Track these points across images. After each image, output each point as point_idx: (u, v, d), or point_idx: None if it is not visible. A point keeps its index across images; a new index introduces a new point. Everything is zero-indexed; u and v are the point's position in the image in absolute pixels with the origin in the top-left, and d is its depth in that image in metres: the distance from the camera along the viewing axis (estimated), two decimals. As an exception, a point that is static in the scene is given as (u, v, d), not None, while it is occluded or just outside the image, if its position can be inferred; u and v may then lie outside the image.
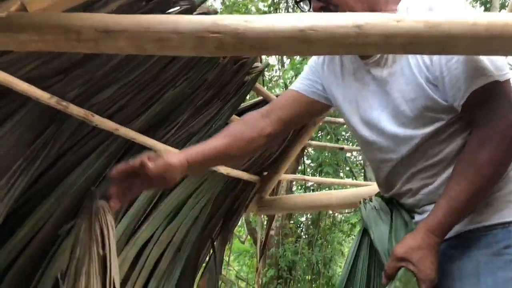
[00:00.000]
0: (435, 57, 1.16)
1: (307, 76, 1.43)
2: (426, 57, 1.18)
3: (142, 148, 2.06)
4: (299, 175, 4.77)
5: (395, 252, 1.11)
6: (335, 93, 1.37)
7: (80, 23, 1.11)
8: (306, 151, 8.27)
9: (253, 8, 10.85)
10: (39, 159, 1.68)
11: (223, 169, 2.52)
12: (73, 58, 1.50)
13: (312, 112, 1.46)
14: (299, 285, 8.17)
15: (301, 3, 1.31)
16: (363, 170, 8.74)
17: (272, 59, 9.62)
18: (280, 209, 3.11)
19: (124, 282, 2.39)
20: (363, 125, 1.30)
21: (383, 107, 1.25)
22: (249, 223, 8.84)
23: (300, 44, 1.07)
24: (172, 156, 1.19)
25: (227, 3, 9.88)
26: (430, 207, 1.17)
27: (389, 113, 1.24)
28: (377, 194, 1.41)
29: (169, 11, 1.54)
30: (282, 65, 8.95)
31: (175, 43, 1.08)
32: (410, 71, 1.19)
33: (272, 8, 10.24)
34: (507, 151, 1.07)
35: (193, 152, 1.25)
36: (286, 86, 9.11)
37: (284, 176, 3.03)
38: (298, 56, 7.90)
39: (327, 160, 7.47)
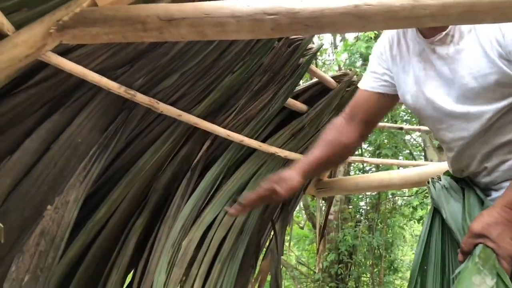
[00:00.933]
0: (508, 32, 1.13)
1: (374, 70, 1.43)
2: (497, 33, 1.15)
3: (205, 133, 2.16)
4: (357, 157, 4.71)
5: (472, 228, 1.09)
6: (400, 78, 1.36)
7: (145, 13, 1.20)
8: (363, 134, 8.10)
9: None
10: (111, 145, 1.81)
11: (280, 152, 2.57)
12: (138, 48, 1.60)
13: (387, 105, 1.47)
14: (360, 269, 8.11)
15: None
16: (423, 152, 8.46)
17: (325, 44, 9.49)
18: (339, 190, 3.11)
19: (191, 261, 2.52)
20: (430, 106, 1.28)
21: (450, 86, 1.23)
22: (308, 208, 8.86)
23: (356, 20, 1.08)
24: (293, 177, 1.33)
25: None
26: (507, 183, 1.16)
27: (456, 91, 1.22)
28: (446, 173, 1.39)
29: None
30: (335, 47, 8.81)
31: (233, 27, 1.14)
32: (480, 47, 1.17)
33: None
34: None
35: (305, 167, 1.37)
36: (339, 68, 8.97)
37: (342, 158, 3.02)
38: (351, 36, 7.75)
39: (386, 142, 7.30)
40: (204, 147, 2.19)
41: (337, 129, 1.46)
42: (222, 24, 1.14)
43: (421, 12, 1.04)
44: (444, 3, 1.02)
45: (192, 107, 1.98)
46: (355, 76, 2.47)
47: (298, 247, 10.67)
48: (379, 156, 7.62)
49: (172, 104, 1.90)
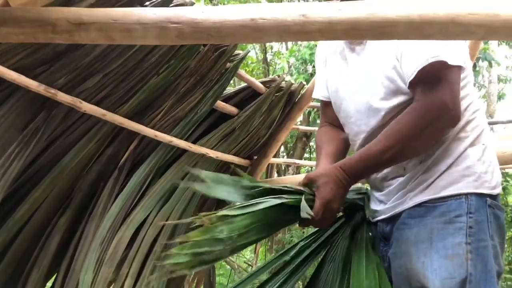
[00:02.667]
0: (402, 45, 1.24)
1: (320, 77, 1.55)
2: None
3: (131, 133, 2.19)
4: (290, 159, 4.87)
5: (308, 175, 1.29)
6: (328, 76, 1.49)
7: (55, 16, 1.23)
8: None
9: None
10: (32, 143, 1.81)
11: (212, 153, 2.63)
12: (57, 48, 1.61)
13: None
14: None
15: None
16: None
17: (278, 46, 9.64)
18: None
19: (121, 261, 2.53)
20: (344, 101, 1.41)
21: (360, 83, 1.36)
22: (254, 209, 8.94)
23: (253, 32, 1.17)
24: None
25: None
26: (394, 181, 1.31)
27: (363, 88, 1.34)
28: None
29: (147, 3, 1.64)
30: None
31: (140, 33, 1.19)
32: (384, 47, 1.29)
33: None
34: (430, 124, 1.18)
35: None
36: (289, 70, 9.11)
37: (274, 160, 3.14)
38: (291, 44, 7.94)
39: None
40: (131, 147, 2.22)
41: (327, 132, 1.53)
42: (129, 30, 1.19)
43: (311, 28, 1.14)
44: (331, 21, 1.12)
45: (117, 107, 2.01)
46: (283, 82, 2.58)
47: (249, 249, 10.73)
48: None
49: (96, 104, 1.92)
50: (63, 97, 1.78)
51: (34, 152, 1.87)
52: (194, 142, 2.53)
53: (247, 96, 2.53)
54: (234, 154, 2.89)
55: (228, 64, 2.21)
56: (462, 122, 1.29)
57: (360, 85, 1.35)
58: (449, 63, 1.19)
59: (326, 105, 1.55)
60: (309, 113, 6.60)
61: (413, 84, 1.22)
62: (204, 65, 2.08)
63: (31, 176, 1.99)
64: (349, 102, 1.39)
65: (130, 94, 1.99)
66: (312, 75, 6.30)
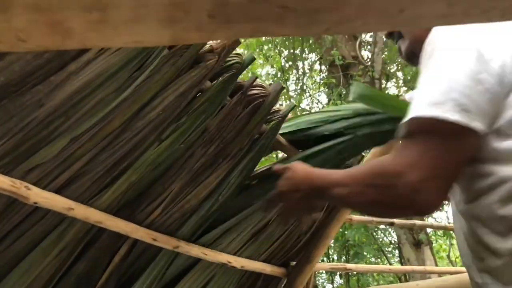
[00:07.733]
0: None
1: None
2: None
3: (117, 236, 1.39)
4: (334, 263, 3.95)
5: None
6: None
7: None
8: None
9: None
10: None
11: (235, 262, 1.81)
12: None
13: None
14: None
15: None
16: (396, 250, 7.78)
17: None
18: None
19: None
20: None
21: None
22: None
23: None
24: None
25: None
26: None
27: None
28: None
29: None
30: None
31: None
32: None
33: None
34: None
35: None
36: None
37: (319, 266, 2.30)
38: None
39: (365, 240, 6.47)
40: (116, 258, 1.41)
41: None
42: None
43: None
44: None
45: (91, 198, 1.23)
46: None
47: None
48: (347, 254, 6.85)
49: (57, 191, 1.16)
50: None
51: None
52: (208, 247, 1.72)
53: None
54: (264, 261, 2.06)
55: (264, 126, 1.48)
56: None
57: None
58: None
59: None
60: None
61: None
62: (230, 126, 1.36)
63: None
64: None
65: (113, 174, 1.22)
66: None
